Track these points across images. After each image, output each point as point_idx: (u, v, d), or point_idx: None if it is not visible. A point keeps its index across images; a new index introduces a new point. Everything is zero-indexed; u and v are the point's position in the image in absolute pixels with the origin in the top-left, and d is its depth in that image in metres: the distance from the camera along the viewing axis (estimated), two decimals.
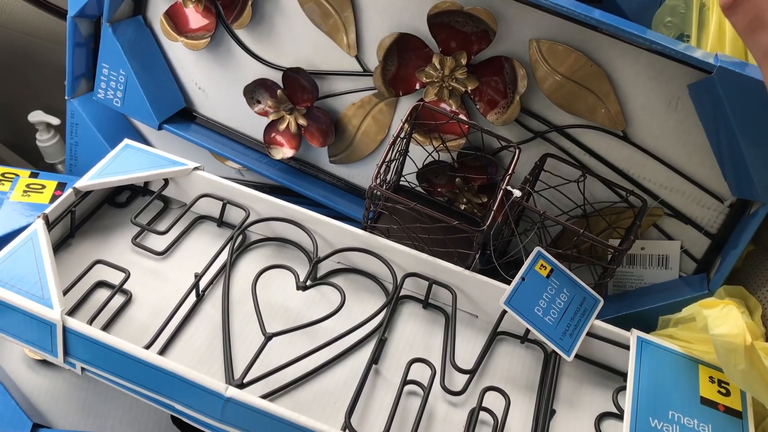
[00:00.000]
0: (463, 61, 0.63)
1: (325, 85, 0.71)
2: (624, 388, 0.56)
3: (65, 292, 0.55)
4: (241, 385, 0.50)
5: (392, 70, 0.67)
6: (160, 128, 0.78)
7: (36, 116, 0.93)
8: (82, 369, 0.52)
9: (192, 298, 0.57)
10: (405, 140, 0.66)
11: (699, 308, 0.54)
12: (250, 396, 0.48)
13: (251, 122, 0.77)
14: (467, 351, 0.59)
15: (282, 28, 0.70)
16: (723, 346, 0.50)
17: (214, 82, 0.77)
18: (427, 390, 0.52)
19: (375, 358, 0.55)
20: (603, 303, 0.59)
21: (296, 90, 0.71)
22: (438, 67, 0.64)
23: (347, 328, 0.55)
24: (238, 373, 0.52)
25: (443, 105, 0.66)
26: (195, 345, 0.55)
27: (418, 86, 0.67)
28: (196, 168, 0.64)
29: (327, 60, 0.70)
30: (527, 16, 0.60)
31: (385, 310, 0.58)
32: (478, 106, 0.65)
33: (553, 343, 0.55)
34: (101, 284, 0.57)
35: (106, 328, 0.54)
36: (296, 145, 0.73)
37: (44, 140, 0.94)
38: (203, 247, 0.63)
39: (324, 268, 0.63)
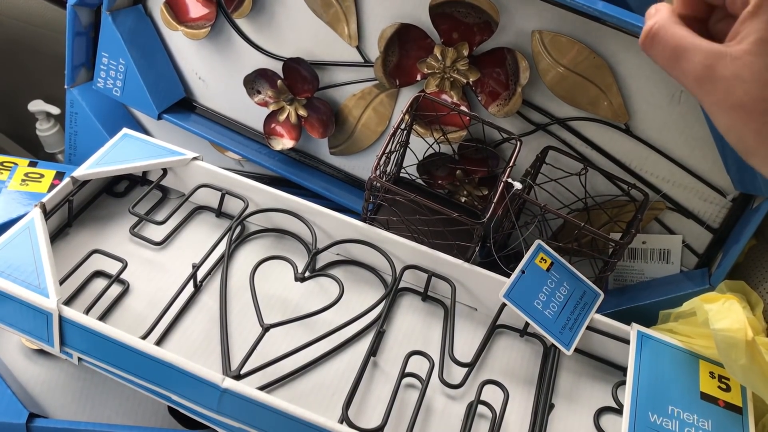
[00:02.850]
0: (465, 52, 0.63)
1: (325, 76, 0.71)
2: (624, 383, 0.56)
3: (62, 282, 0.54)
4: (238, 377, 0.50)
5: (393, 61, 0.66)
6: (159, 118, 0.77)
7: (36, 105, 0.92)
8: (79, 359, 0.52)
9: (189, 288, 0.57)
10: (405, 132, 0.66)
11: (700, 303, 0.54)
12: (247, 387, 0.47)
13: (251, 113, 0.77)
14: (466, 344, 0.58)
15: (282, 17, 0.69)
16: (724, 341, 0.50)
17: (215, 72, 0.77)
18: (425, 383, 0.52)
19: (373, 351, 0.55)
20: (603, 297, 0.59)
21: (296, 80, 0.70)
22: (439, 58, 0.64)
23: (345, 320, 0.55)
24: (235, 365, 0.52)
25: (444, 96, 0.65)
26: (192, 336, 0.55)
27: (419, 77, 0.66)
28: (194, 158, 0.64)
29: (328, 50, 0.69)
30: (530, 7, 0.60)
31: (383, 302, 0.58)
32: (479, 98, 0.65)
33: (553, 337, 0.55)
34: (98, 274, 0.57)
35: (103, 317, 0.54)
36: (296, 136, 0.72)
37: (44, 129, 0.94)
38: (201, 238, 0.62)
39: (323, 259, 0.62)
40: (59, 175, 0.74)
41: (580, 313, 0.57)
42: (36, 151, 1.05)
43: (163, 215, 0.62)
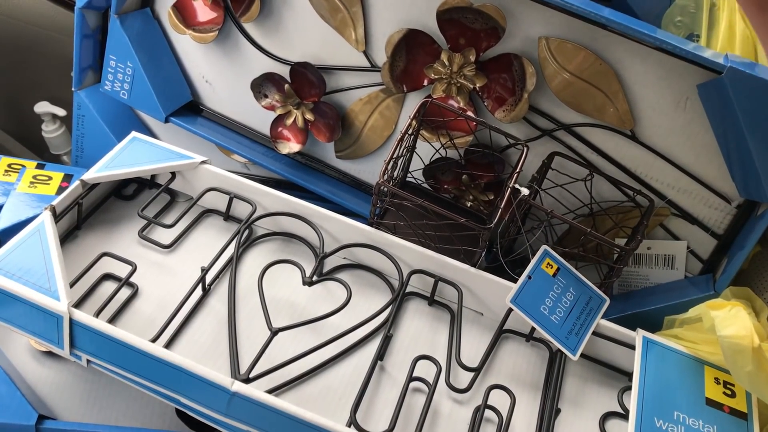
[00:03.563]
0: (472, 58, 0.63)
1: (332, 80, 0.71)
2: (629, 388, 0.56)
3: (72, 285, 0.55)
4: (247, 380, 0.50)
5: (400, 66, 0.67)
6: (166, 121, 0.78)
7: (42, 107, 0.92)
8: (88, 361, 0.52)
9: (198, 291, 0.57)
10: (412, 136, 0.66)
11: (706, 309, 0.54)
12: (256, 391, 0.48)
13: (258, 116, 0.77)
14: (472, 349, 0.59)
15: (290, 22, 0.70)
16: (731, 348, 0.50)
17: (222, 75, 0.77)
18: (432, 387, 0.52)
19: (380, 355, 0.55)
20: (609, 302, 0.59)
21: (304, 85, 0.70)
22: (446, 63, 0.64)
23: (353, 324, 0.55)
24: (243, 368, 0.52)
25: (451, 102, 0.66)
26: (201, 339, 0.55)
27: (426, 82, 0.66)
28: (203, 162, 0.64)
29: (335, 55, 0.70)
30: (536, 13, 0.60)
31: (390, 307, 0.58)
32: (486, 103, 0.65)
33: (559, 342, 0.55)
34: (108, 277, 0.57)
35: (112, 320, 0.54)
36: (303, 140, 0.73)
37: (50, 131, 0.94)
38: (209, 241, 0.63)
39: (330, 263, 0.63)
40: (67, 178, 0.74)
41: (586, 318, 0.57)
42: (41, 153, 1.06)
43: (171, 218, 0.62)
